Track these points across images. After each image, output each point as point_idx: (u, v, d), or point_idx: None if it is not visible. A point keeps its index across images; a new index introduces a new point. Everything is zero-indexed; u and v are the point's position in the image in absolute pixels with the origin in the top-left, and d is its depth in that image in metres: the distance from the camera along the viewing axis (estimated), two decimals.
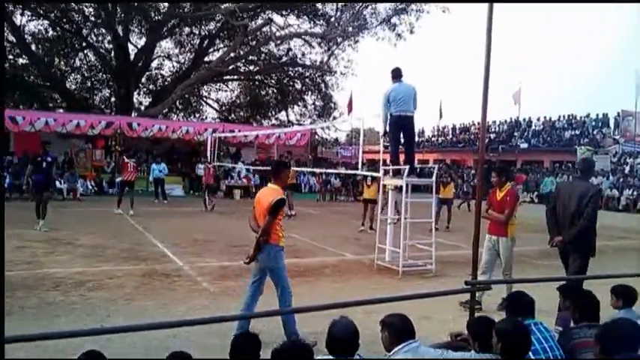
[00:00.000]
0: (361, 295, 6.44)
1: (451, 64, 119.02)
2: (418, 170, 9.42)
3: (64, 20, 26.88)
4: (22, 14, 26.07)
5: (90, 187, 21.33)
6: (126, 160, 16.02)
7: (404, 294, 6.12)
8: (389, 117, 8.39)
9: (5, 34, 25.91)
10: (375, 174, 11.28)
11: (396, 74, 8.38)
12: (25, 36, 26.86)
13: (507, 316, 3.31)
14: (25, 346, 4.00)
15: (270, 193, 4.90)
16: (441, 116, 38.83)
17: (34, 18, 26.76)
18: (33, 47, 27.49)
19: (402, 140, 8.63)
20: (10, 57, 27.37)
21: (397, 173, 8.72)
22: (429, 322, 5.49)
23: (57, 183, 19.27)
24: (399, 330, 2.96)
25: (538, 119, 36.84)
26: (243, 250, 9.91)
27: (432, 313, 5.76)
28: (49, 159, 11.54)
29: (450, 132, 42.80)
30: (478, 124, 31.83)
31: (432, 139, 43.23)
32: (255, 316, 4.86)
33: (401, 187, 8.43)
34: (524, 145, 34.75)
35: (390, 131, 8.61)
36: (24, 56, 27.24)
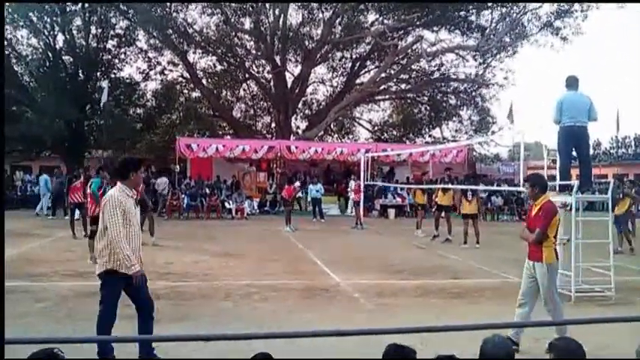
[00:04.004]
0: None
1: (629, 67, 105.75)
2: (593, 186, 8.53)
3: (229, 55, 29.52)
4: (194, 52, 29.38)
5: (255, 206, 22.91)
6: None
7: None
8: (559, 128, 7.70)
9: (181, 71, 29.54)
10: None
11: (571, 82, 7.69)
12: (197, 72, 30.09)
13: None
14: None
15: None
16: (618, 127, 34.89)
17: (204, 55, 29.94)
18: (204, 81, 30.69)
19: (575, 154, 7.87)
20: (185, 91, 31.13)
21: (565, 189, 7.97)
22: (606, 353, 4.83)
23: (226, 204, 21.15)
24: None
25: None
26: (399, 269, 9.92)
27: (610, 343, 5.06)
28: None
29: (633, 143, 38.34)
30: None
31: (611, 151, 39.07)
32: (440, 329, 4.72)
33: (569, 205, 7.67)
34: None
35: (560, 143, 7.89)
36: (196, 90, 30.54)
